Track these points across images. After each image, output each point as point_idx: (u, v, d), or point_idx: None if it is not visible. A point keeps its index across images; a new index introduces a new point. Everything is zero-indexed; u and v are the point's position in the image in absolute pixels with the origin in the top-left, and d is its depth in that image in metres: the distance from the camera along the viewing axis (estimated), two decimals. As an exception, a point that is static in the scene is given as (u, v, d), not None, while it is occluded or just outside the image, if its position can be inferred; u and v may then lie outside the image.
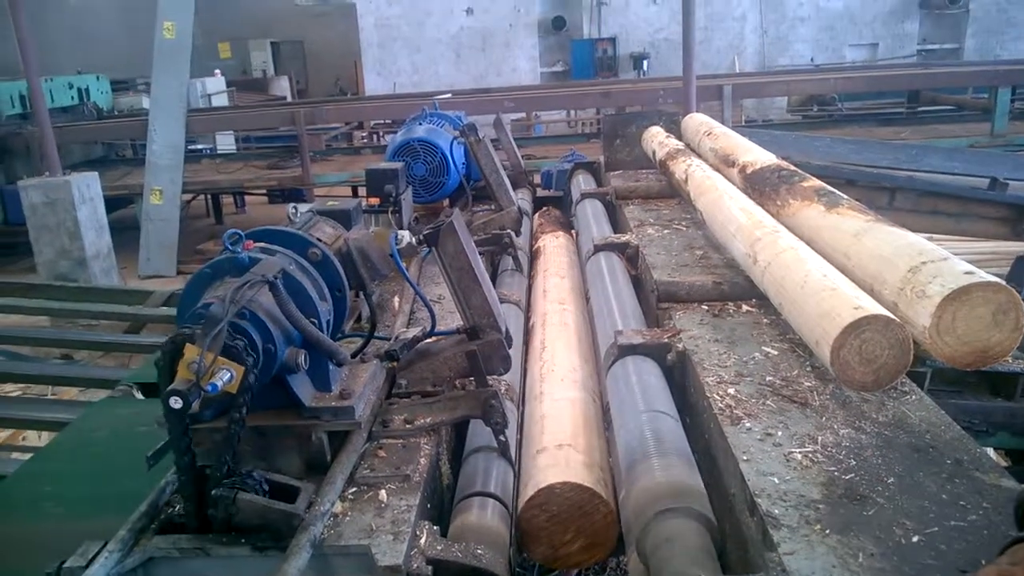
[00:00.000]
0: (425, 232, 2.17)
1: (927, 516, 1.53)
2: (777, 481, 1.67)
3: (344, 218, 2.52)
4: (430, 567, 1.70)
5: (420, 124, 4.58)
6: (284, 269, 1.89)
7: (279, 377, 1.84)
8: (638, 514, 1.78)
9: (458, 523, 1.96)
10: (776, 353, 2.30)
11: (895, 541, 1.46)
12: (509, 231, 3.81)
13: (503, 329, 2.23)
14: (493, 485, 2.08)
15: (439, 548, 1.76)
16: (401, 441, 2.07)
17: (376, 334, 2.29)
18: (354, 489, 1.87)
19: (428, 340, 2.31)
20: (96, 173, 10.52)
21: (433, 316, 2.28)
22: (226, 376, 1.61)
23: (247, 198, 15.01)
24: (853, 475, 1.68)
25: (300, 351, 1.83)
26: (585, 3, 20.44)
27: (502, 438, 2.18)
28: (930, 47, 19.79)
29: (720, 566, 1.62)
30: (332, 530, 1.72)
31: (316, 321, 1.92)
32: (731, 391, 2.07)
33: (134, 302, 6.73)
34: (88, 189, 9.99)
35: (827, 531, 1.50)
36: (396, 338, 2.36)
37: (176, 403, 1.55)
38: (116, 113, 14.27)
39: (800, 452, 1.77)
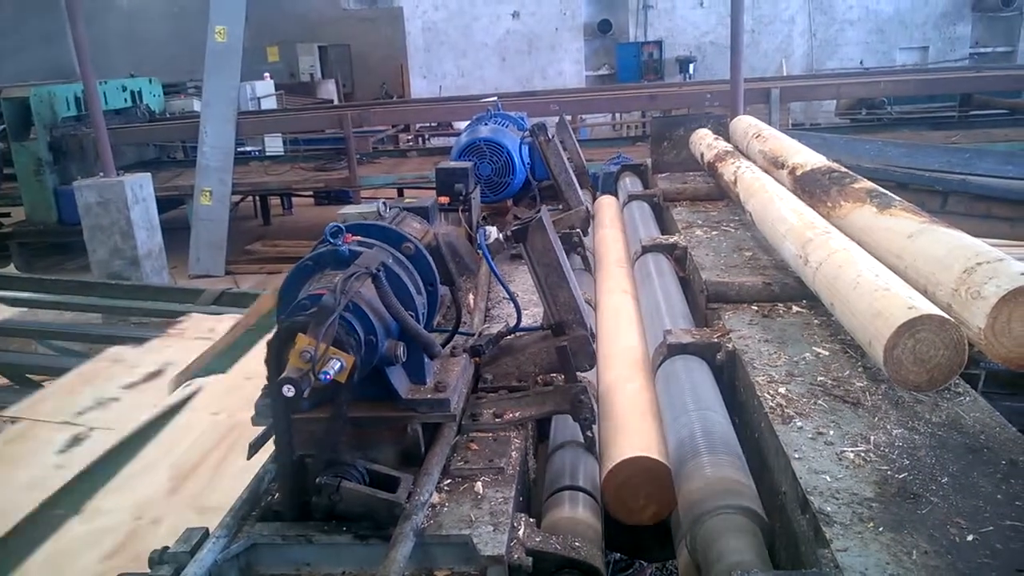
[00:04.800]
0: (513, 228, 2.19)
1: (982, 515, 1.53)
2: (829, 479, 1.67)
3: (423, 215, 2.56)
4: (530, 558, 1.73)
5: (485, 124, 4.62)
6: (384, 262, 1.93)
7: (377, 368, 1.88)
8: (689, 511, 1.79)
9: (550, 517, 1.99)
10: (827, 353, 2.29)
11: (949, 539, 1.46)
12: (578, 230, 3.82)
13: (589, 325, 2.25)
14: (582, 479, 2.11)
15: (538, 540, 1.79)
16: (491, 435, 2.11)
17: (460, 329, 2.33)
18: (449, 481, 1.91)
19: (511, 336, 2.34)
20: (149, 174, 10.69)
21: (519, 312, 2.32)
22: (337, 365, 1.64)
23: (294, 199, 15.20)
24: (906, 474, 1.67)
25: (399, 343, 1.86)
26: (631, 6, 20.38)
27: (589, 433, 2.20)
28: (983, 50, 19.38)
29: (771, 564, 1.63)
30: (432, 520, 1.76)
31: (413, 314, 1.96)
32: (782, 390, 2.08)
33: (185, 300, 6.86)
34: (141, 190, 10.18)
35: (880, 529, 1.50)
36: (480, 333, 2.39)
37: (289, 391, 1.58)
38: (168, 115, 14.51)
39: (852, 451, 1.77)
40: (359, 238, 2.05)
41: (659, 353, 2.52)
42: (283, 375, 1.60)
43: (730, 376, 2.43)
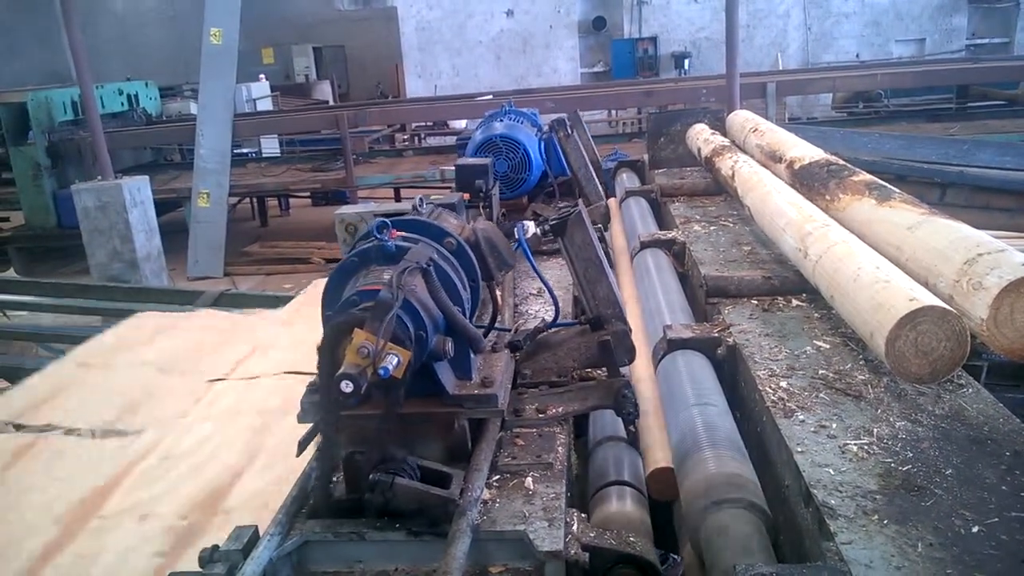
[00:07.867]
0: (552, 222, 2.17)
1: (987, 507, 1.52)
2: (833, 472, 1.66)
3: (452, 211, 2.53)
4: (586, 553, 1.72)
5: (499, 121, 4.60)
6: (431, 257, 1.90)
7: (424, 364, 1.85)
8: (692, 505, 1.79)
9: (599, 512, 1.98)
10: (828, 347, 2.29)
11: (954, 531, 1.45)
12: (599, 225, 3.78)
13: (627, 319, 2.24)
14: (627, 474, 2.10)
15: (592, 535, 1.77)
16: (536, 430, 2.09)
17: (496, 325, 2.31)
18: (498, 476, 1.90)
19: (547, 331, 2.32)
20: (146, 177, 10.70)
21: (557, 306, 2.30)
22: (394, 361, 1.61)
23: (291, 200, 15.21)
24: (910, 466, 1.67)
25: (447, 339, 1.84)
26: (626, 3, 20.38)
27: (632, 428, 2.18)
28: (979, 41, 19.38)
29: (775, 557, 1.63)
30: (485, 516, 1.75)
31: (460, 308, 1.94)
32: (783, 384, 2.07)
33: (185, 302, 6.85)
34: (139, 193, 10.19)
35: (885, 521, 1.49)
36: (516, 329, 2.37)
37: (347, 387, 1.56)
38: (164, 118, 14.51)
39: (855, 444, 1.76)
40: (402, 234, 2.01)
41: (659, 348, 2.51)
42: (341, 371, 1.57)
43: (731, 370, 2.42)
